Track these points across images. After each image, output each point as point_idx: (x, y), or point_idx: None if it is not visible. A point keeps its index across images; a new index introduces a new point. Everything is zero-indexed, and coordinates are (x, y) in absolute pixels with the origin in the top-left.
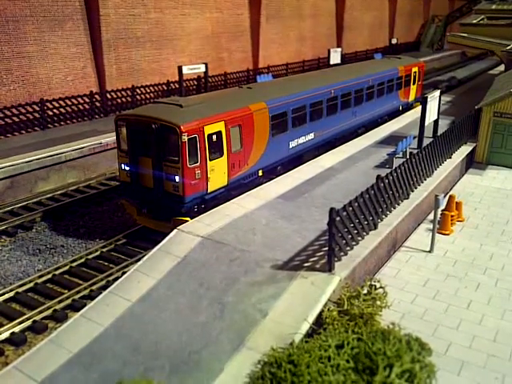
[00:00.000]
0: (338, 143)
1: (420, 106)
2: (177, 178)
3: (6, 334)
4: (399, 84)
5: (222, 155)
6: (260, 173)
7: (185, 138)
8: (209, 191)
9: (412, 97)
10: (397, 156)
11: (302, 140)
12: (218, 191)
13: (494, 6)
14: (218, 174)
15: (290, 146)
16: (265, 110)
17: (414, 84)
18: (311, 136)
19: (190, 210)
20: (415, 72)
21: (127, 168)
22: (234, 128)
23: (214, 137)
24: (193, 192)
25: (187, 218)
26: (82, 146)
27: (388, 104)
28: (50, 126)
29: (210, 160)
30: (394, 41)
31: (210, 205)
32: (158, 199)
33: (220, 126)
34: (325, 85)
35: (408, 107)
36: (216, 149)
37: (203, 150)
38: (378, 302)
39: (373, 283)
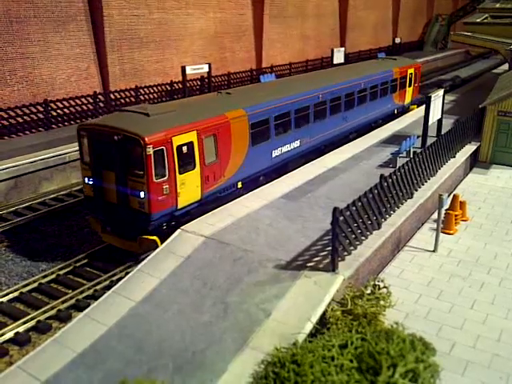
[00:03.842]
0: (327, 150)
1: (416, 108)
2: (142, 194)
3: (10, 334)
4: (394, 86)
5: (194, 168)
6: (239, 185)
7: (150, 150)
8: (179, 207)
9: (408, 99)
10: (400, 155)
11: (286, 148)
12: (190, 206)
13: (498, 5)
14: (189, 188)
15: (273, 155)
16: (243, 117)
17: (409, 86)
18: (297, 144)
19: (159, 228)
20: (411, 74)
21: (90, 182)
22: (208, 138)
23: (185, 148)
24: (160, 209)
25: (154, 238)
26: None
27: (382, 108)
28: (53, 126)
29: (180, 173)
30: (397, 40)
31: (181, 221)
32: (122, 216)
33: (191, 137)
34: (312, 89)
35: (404, 110)
36: (187, 161)
37: (172, 162)
38: (382, 302)
39: (376, 283)
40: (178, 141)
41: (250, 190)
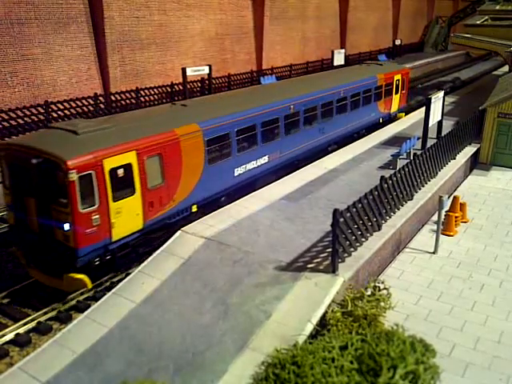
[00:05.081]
0: (302, 164)
1: (404, 117)
2: (66, 226)
3: (10, 336)
4: (378, 94)
5: (133, 193)
6: (194, 208)
7: (73, 175)
8: (113, 239)
9: (394, 107)
10: (401, 157)
11: (252, 165)
12: (129, 237)
13: (498, 7)
14: (127, 216)
15: (236, 174)
16: (197, 133)
17: (396, 93)
18: (265, 160)
19: (89, 264)
20: (398, 80)
21: (12, 209)
22: (151, 158)
23: (121, 171)
24: (89, 243)
25: (81, 276)
26: None
27: (365, 117)
28: None
29: (115, 200)
30: (397, 42)
31: (119, 255)
32: (46, 250)
33: (129, 158)
34: (282, 99)
35: (390, 119)
36: (124, 186)
37: (103, 189)
38: (382, 303)
39: (377, 284)
40: (111, 163)
41: (208, 213)
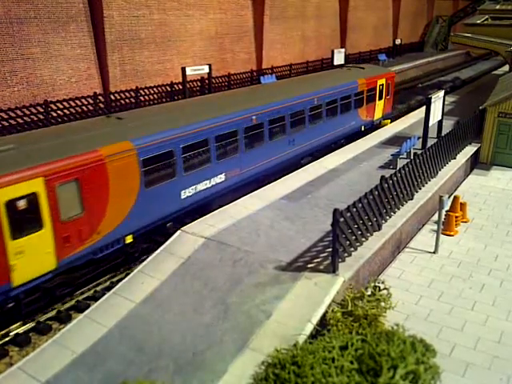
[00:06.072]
0: (268, 180)
1: (389, 124)
2: None
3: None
4: (359, 100)
5: (40, 227)
6: (129, 239)
7: None
8: (14, 285)
9: (378, 114)
10: (401, 157)
11: (204, 185)
12: (38, 280)
13: (498, 6)
14: (33, 256)
15: (183, 196)
16: (130, 152)
17: (380, 99)
18: (221, 178)
19: None
20: (381, 85)
21: None
22: (65, 185)
23: (22, 203)
24: None
25: None
26: None
27: (344, 125)
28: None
29: (15, 238)
30: (397, 41)
31: (25, 301)
32: None
33: (35, 186)
34: (241, 110)
35: (373, 126)
36: (27, 220)
37: None
38: (382, 303)
39: (377, 284)
40: (7, 194)
41: (153, 242)
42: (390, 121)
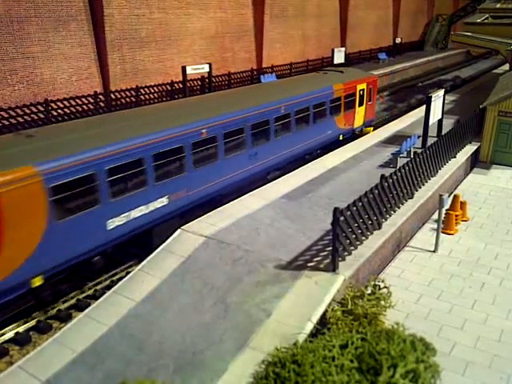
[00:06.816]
0: (226, 200)
1: (372, 131)
2: None
3: (10, 334)
4: (336, 107)
5: None
6: (37, 281)
7: None
8: None
9: (359, 122)
10: (401, 155)
11: (139, 212)
12: None
13: (498, 5)
14: None
15: (111, 227)
16: (33, 178)
17: (361, 105)
18: (163, 202)
19: None
20: (362, 90)
21: None
22: None
23: None
24: None
25: None
26: None
27: (318, 135)
28: None
29: None
30: (398, 40)
31: None
32: None
33: None
34: (187, 123)
35: (353, 135)
36: None
37: None
38: (382, 302)
39: (377, 283)
40: None
41: (78, 282)
42: (372, 128)
